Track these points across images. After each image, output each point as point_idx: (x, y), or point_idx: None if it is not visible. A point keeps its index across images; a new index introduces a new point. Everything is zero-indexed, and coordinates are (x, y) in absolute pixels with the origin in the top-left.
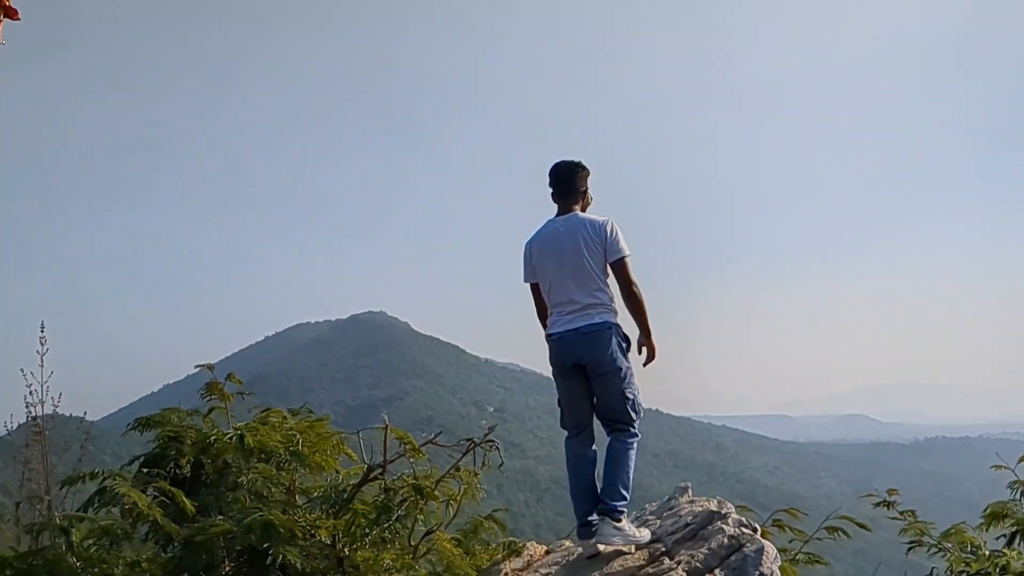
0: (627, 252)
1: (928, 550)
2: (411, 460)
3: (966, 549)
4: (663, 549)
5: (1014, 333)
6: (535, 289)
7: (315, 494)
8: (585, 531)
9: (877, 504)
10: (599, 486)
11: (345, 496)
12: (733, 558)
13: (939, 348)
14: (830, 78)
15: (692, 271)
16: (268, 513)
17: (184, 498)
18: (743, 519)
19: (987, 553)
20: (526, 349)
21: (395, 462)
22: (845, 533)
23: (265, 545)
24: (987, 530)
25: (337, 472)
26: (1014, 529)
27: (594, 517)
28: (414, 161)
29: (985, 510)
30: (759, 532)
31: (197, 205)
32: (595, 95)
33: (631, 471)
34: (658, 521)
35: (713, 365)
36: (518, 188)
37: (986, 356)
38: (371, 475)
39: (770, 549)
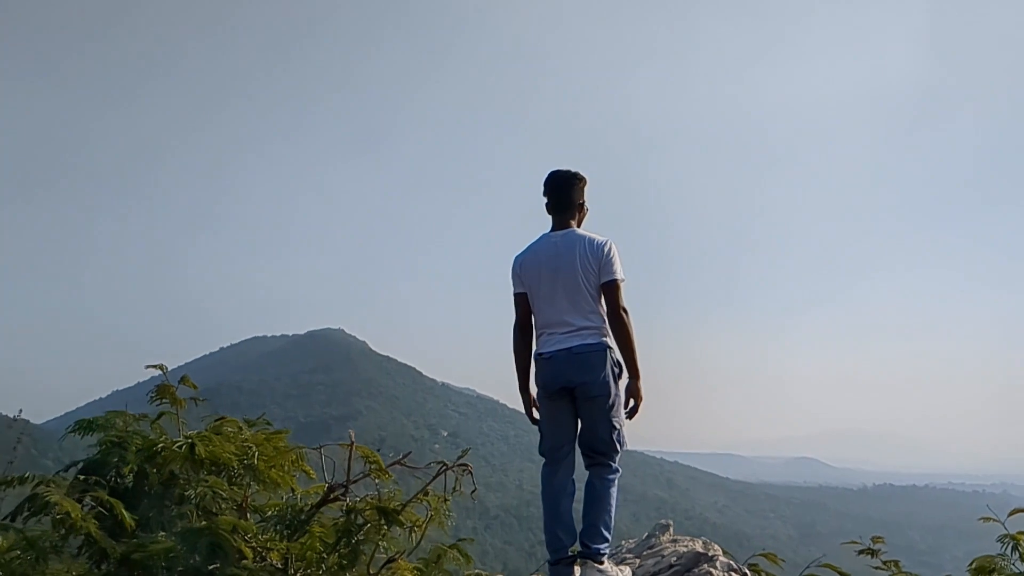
0: (621, 276)
1: None
2: (376, 481)
3: None
4: None
5: (963, 389)
6: (522, 299)
7: (269, 513)
8: (560, 570)
9: (861, 552)
10: (577, 524)
11: (302, 517)
12: None
13: (891, 399)
14: (793, 127)
15: (651, 310)
16: (216, 531)
17: (123, 510)
18: (732, 563)
19: None
20: (483, 375)
21: (358, 482)
22: None
23: (211, 567)
24: None
25: (294, 490)
26: None
27: (570, 554)
28: (380, 181)
29: (971, 564)
30: None
31: (158, 212)
32: (560, 111)
33: (613, 510)
34: (637, 560)
35: (668, 401)
36: (487, 214)
37: (936, 409)
38: (332, 495)
39: None
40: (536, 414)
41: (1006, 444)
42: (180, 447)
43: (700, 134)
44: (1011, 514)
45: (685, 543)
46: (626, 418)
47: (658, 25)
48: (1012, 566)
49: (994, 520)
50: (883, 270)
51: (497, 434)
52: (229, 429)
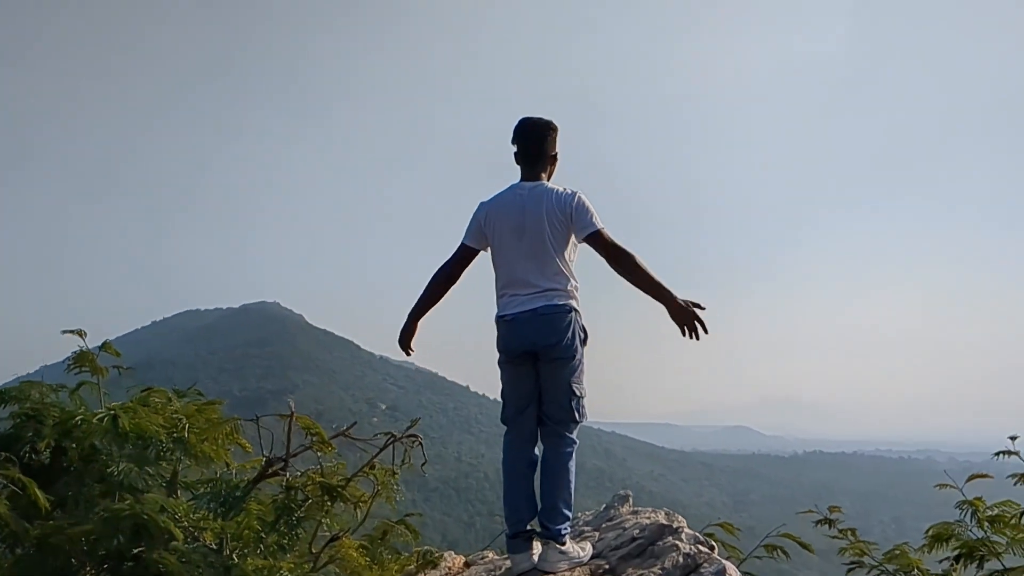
0: (599, 225)
1: (869, 572)
2: (318, 454)
3: (910, 572)
4: (607, 567)
5: (890, 360)
6: (468, 254)
7: (201, 490)
8: (518, 544)
9: (818, 522)
10: (538, 500)
11: (238, 493)
12: None
13: (821, 369)
14: (731, 97)
15: (587, 280)
16: (142, 511)
17: (37, 490)
18: (698, 535)
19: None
20: (422, 348)
21: (298, 456)
22: (784, 552)
23: (136, 549)
24: (929, 552)
25: (228, 465)
26: (959, 552)
27: (530, 528)
28: (316, 151)
29: (928, 531)
30: (716, 550)
31: (80, 183)
32: (496, 80)
33: (572, 485)
34: (596, 534)
35: (605, 372)
36: (424, 182)
37: (865, 379)
38: (270, 470)
39: (733, 572)
40: (413, 346)
41: (930, 412)
42: (102, 420)
43: (627, 108)
44: (969, 479)
45: (647, 515)
46: (691, 335)
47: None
48: (969, 532)
49: (940, 486)
50: (813, 242)
51: (436, 407)
52: (157, 400)
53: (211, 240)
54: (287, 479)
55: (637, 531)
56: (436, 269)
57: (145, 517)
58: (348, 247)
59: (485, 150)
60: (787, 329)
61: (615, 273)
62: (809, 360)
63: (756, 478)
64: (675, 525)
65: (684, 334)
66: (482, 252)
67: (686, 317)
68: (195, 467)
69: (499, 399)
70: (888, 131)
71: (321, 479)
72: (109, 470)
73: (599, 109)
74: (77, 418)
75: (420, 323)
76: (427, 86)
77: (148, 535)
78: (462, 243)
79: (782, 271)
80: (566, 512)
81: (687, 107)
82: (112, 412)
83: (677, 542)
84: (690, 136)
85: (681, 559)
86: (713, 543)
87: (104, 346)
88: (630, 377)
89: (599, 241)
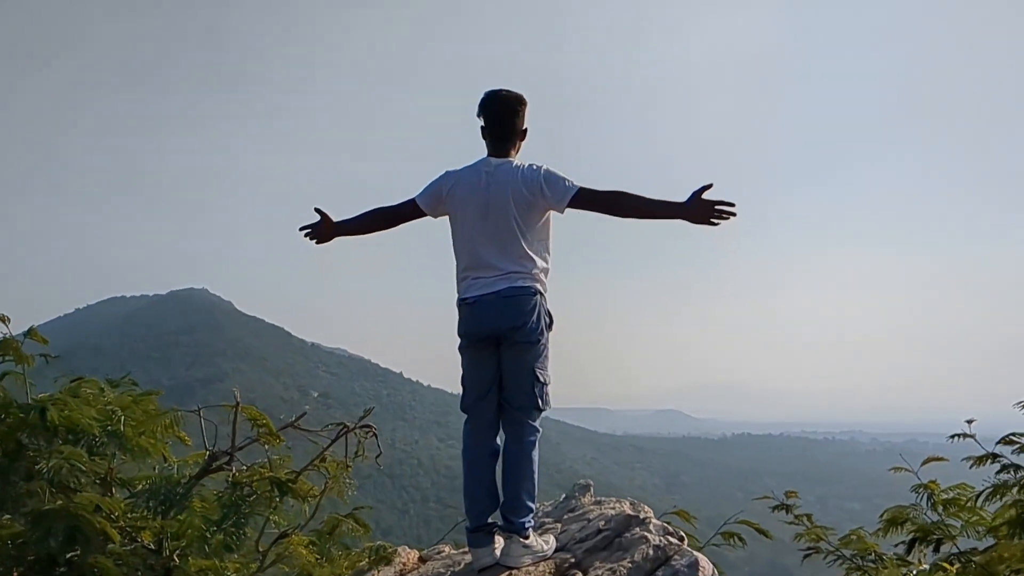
0: (578, 184)
1: (825, 557)
2: (266, 447)
3: (867, 556)
4: (572, 560)
5: (815, 342)
6: (412, 209)
7: (139, 487)
8: (479, 538)
9: (775, 507)
10: (500, 490)
11: (180, 490)
12: (660, 572)
13: (748, 352)
14: (678, 84)
15: None
16: (75, 512)
17: None
18: (667, 526)
19: (893, 559)
20: (354, 334)
21: (244, 449)
22: (741, 539)
23: (69, 553)
24: (885, 536)
25: (167, 459)
26: (913, 535)
27: (491, 521)
28: (242, 133)
29: (882, 515)
30: (685, 541)
31: (0, 169)
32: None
33: (536, 476)
34: (559, 526)
35: None
36: (363, 167)
37: (792, 362)
38: (215, 464)
39: (705, 564)
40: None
41: (852, 393)
42: (29, 413)
43: (575, 96)
44: (924, 463)
45: (611, 505)
46: (723, 219)
47: None
48: (924, 516)
49: (896, 470)
50: (742, 230)
51: (369, 394)
52: (88, 391)
53: (137, 225)
54: (233, 474)
55: (603, 522)
56: (377, 207)
57: (79, 518)
58: (278, 233)
59: (424, 131)
60: (718, 315)
61: (618, 219)
62: (738, 345)
63: (687, 460)
64: (642, 516)
65: (716, 224)
66: (430, 219)
67: (705, 213)
68: (131, 462)
69: (433, 385)
70: (819, 121)
71: (270, 474)
72: (38, 467)
73: (540, 94)
74: (1, 412)
75: (333, 240)
76: (365, 68)
77: (83, 537)
78: (413, 200)
79: (712, 259)
80: (530, 504)
81: (628, 93)
82: (41, 405)
83: (646, 533)
84: (626, 122)
85: (651, 551)
86: (683, 534)
87: (30, 333)
88: (564, 362)
89: (586, 197)
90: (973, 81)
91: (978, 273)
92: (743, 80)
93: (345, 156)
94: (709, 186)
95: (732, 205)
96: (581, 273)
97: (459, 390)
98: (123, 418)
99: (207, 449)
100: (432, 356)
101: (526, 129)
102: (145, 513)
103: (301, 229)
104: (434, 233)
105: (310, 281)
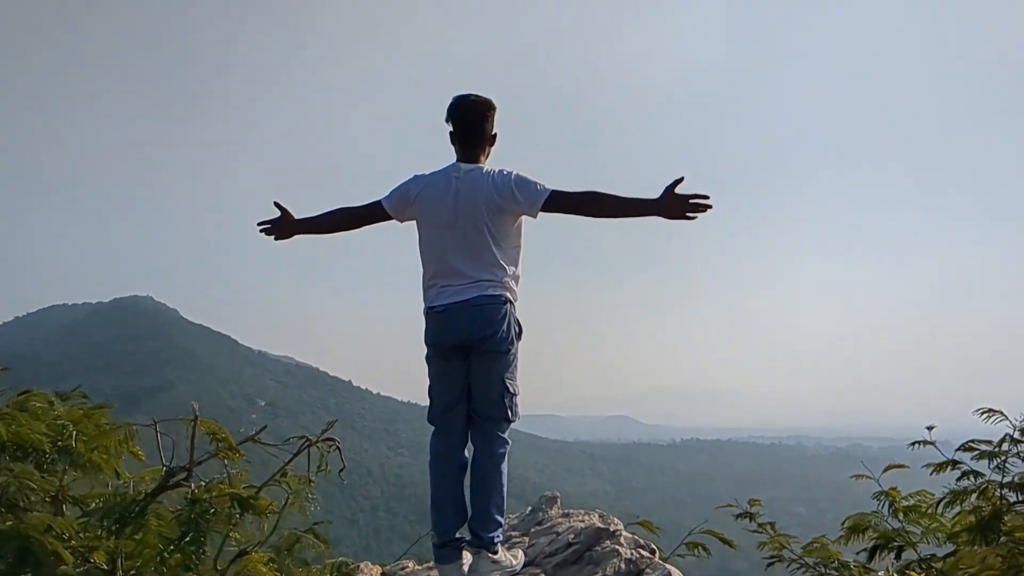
0: (550, 187)
1: (788, 566)
2: (225, 462)
3: (830, 564)
4: (542, 575)
5: (761, 346)
6: (377, 211)
7: (92, 505)
8: (447, 553)
9: (739, 516)
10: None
11: (135, 508)
12: None
13: (695, 357)
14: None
15: None
16: (25, 532)
17: None
18: (638, 539)
19: (860, 567)
20: (302, 342)
21: (201, 465)
22: (706, 550)
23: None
24: (847, 543)
25: (120, 475)
26: (875, 543)
27: (459, 536)
28: (189, 139)
29: (844, 522)
30: (657, 554)
31: None
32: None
33: (505, 490)
34: (526, 539)
35: None
36: (314, 173)
37: (739, 368)
38: (172, 480)
39: None
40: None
41: (798, 399)
42: None
43: (518, 109)
44: (886, 470)
45: (580, 517)
46: (700, 212)
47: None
48: (885, 523)
49: (856, 477)
50: (689, 237)
51: (317, 402)
52: (37, 404)
53: (79, 232)
54: (192, 490)
55: (572, 535)
56: (342, 206)
57: (29, 539)
58: (224, 240)
59: (382, 139)
60: (666, 321)
61: (596, 220)
62: (686, 351)
63: (637, 466)
64: (612, 528)
65: (692, 218)
66: (396, 223)
67: (679, 207)
68: (84, 479)
69: (382, 393)
70: (766, 134)
71: (230, 490)
72: None
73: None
74: None
75: (293, 237)
76: (319, 72)
77: (33, 559)
78: (379, 202)
79: (660, 265)
80: (498, 518)
81: (576, 105)
82: None
83: (616, 547)
84: (580, 132)
85: (623, 565)
86: (654, 547)
87: None
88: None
89: (560, 199)
90: (928, 90)
91: (923, 281)
92: (699, 92)
93: (294, 160)
94: (681, 180)
95: (707, 197)
96: (528, 277)
97: (408, 398)
98: (75, 433)
99: (163, 464)
100: (382, 364)
101: (495, 134)
102: (99, 533)
103: (259, 224)
104: (385, 240)
105: (256, 288)
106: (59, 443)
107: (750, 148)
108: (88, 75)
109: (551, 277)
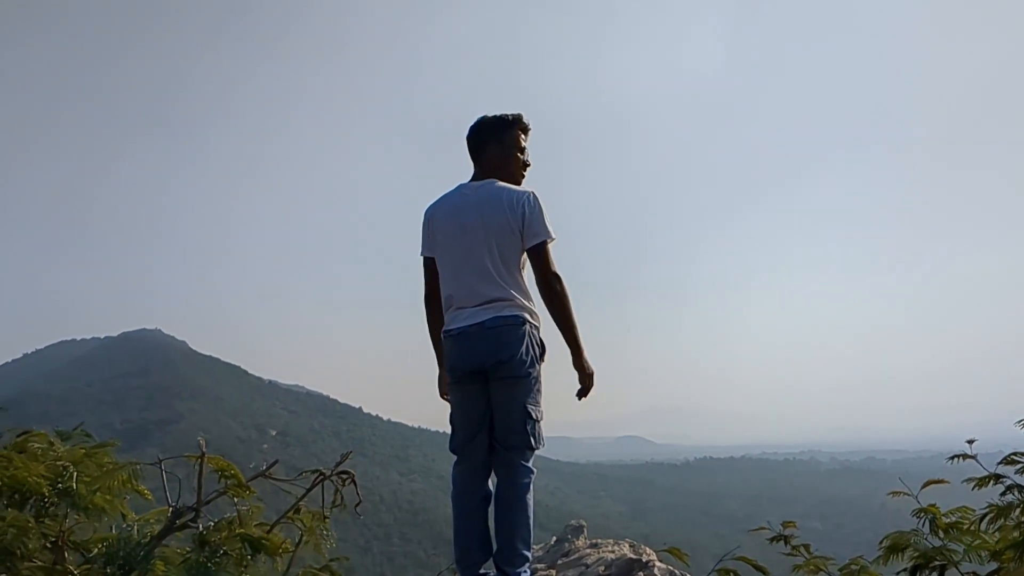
0: (550, 236)
1: None
2: (235, 500)
3: None
4: None
5: (771, 364)
6: (430, 265)
7: (95, 550)
8: None
9: (772, 539)
10: (493, 539)
11: (141, 552)
12: None
13: (707, 376)
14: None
15: None
16: None
17: None
18: (672, 568)
19: None
20: (312, 370)
21: (211, 503)
22: None
23: None
24: (886, 564)
25: (125, 517)
26: (916, 562)
27: (484, 572)
28: (196, 173)
29: (882, 541)
30: None
31: None
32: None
33: (531, 523)
34: (553, 572)
35: None
36: (314, 207)
37: (748, 384)
38: (179, 521)
39: None
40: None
41: (810, 413)
42: None
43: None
44: (924, 486)
45: (609, 548)
46: (578, 397)
47: (481, 16)
48: (925, 541)
49: (894, 494)
50: (693, 255)
51: (328, 430)
52: (36, 445)
53: (88, 267)
54: (200, 531)
55: (603, 567)
56: (424, 303)
57: None
58: (233, 271)
59: (386, 172)
60: (673, 339)
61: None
62: (696, 369)
63: (650, 486)
64: (644, 558)
65: (580, 397)
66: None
67: (586, 375)
68: (86, 522)
69: (393, 419)
70: (761, 147)
71: (241, 530)
72: None
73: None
74: None
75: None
76: (322, 107)
77: None
78: (423, 257)
79: (667, 283)
80: (525, 553)
81: (568, 119)
82: None
83: None
84: (574, 148)
85: None
86: None
87: None
88: None
89: (542, 255)
90: (923, 101)
91: (926, 293)
92: (687, 108)
93: (298, 195)
94: (588, 388)
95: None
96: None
97: (419, 424)
98: (75, 474)
99: (169, 504)
100: (392, 390)
101: (517, 155)
102: None
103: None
104: (390, 266)
105: (265, 318)
106: (59, 485)
107: (757, 160)
108: (97, 108)
109: None
